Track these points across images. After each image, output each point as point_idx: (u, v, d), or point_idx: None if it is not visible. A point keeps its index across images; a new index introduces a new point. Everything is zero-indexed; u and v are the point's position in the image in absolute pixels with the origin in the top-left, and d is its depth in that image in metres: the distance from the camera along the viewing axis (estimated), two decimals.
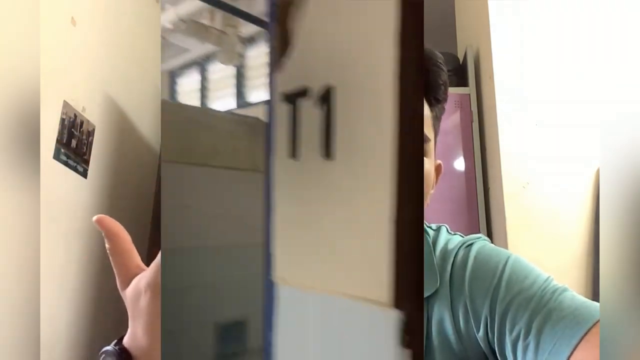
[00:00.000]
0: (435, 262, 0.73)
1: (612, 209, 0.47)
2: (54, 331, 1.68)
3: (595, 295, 1.59)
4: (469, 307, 0.67)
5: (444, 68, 0.79)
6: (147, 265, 0.57)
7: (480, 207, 1.92)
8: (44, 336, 1.54)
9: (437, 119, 0.80)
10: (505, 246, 1.70)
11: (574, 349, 0.54)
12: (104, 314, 2.00)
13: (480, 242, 0.74)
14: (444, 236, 0.78)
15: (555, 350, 0.55)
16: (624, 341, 0.44)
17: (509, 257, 0.68)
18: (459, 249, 0.73)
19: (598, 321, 0.54)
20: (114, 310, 2.09)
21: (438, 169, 0.82)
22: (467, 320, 0.67)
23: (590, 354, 0.52)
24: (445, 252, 0.74)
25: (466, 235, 0.78)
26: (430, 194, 0.79)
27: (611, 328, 0.45)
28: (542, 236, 1.71)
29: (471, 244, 0.73)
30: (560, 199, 1.74)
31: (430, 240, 0.77)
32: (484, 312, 0.64)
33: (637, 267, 0.45)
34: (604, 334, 0.46)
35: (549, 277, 0.64)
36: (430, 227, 0.81)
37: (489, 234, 1.90)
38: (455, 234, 0.79)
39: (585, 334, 0.54)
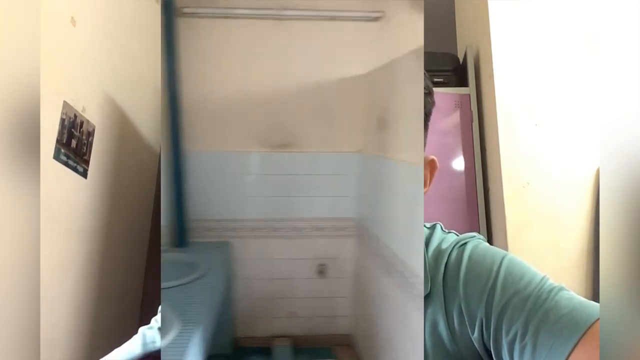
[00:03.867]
0: (427, 263, 0.73)
1: (612, 209, 0.47)
2: (54, 331, 1.68)
3: (595, 295, 1.59)
4: (463, 309, 0.66)
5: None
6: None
7: (480, 207, 1.92)
8: (44, 336, 1.54)
9: (425, 115, 0.79)
10: (505, 246, 1.70)
11: (572, 350, 0.53)
12: (104, 314, 2.00)
13: (474, 241, 0.73)
14: (438, 235, 0.77)
15: (553, 351, 0.54)
16: (623, 341, 0.44)
17: (503, 258, 0.67)
18: (452, 248, 0.72)
19: (596, 321, 0.54)
20: (114, 310, 2.09)
21: (431, 164, 0.80)
22: (461, 321, 0.67)
23: (589, 354, 0.52)
24: (438, 251, 0.73)
25: (461, 234, 0.77)
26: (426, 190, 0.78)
27: (611, 328, 0.45)
28: (542, 236, 1.71)
29: (465, 244, 0.72)
30: (560, 199, 1.74)
31: (424, 240, 0.76)
32: (480, 314, 0.64)
33: (637, 267, 0.45)
34: (604, 334, 0.46)
35: (544, 276, 0.64)
36: (425, 226, 0.80)
37: (489, 234, 1.90)
38: (449, 232, 0.78)
39: (584, 334, 0.54)
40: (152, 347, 0.87)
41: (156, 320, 0.92)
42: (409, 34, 1.41)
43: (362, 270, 1.41)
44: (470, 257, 0.69)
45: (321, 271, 1.52)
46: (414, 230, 0.96)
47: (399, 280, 1.03)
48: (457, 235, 0.76)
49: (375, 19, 1.45)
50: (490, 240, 1.87)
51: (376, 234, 1.26)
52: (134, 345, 0.87)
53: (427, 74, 0.78)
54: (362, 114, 1.47)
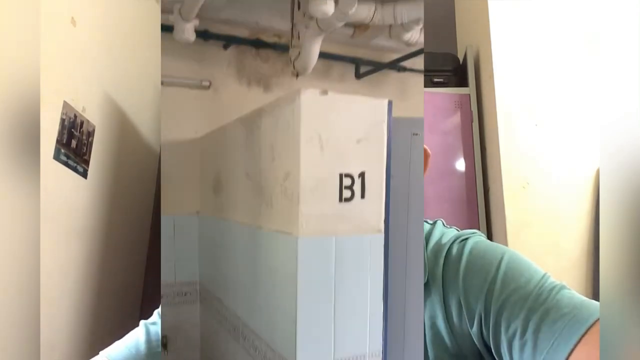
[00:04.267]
0: (426, 257, 0.73)
1: (612, 209, 0.47)
2: (54, 331, 1.68)
3: (595, 296, 1.59)
4: (462, 302, 0.66)
5: None
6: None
7: (480, 207, 1.92)
8: (43, 336, 1.54)
9: None
10: (505, 246, 1.70)
11: (573, 349, 0.53)
12: (104, 314, 2.00)
13: (475, 237, 0.74)
14: (439, 229, 0.77)
15: (554, 350, 0.54)
16: (624, 341, 0.44)
17: (504, 253, 0.67)
18: (452, 243, 0.72)
19: (597, 320, 0.54)
20: (114, 310, 2.09)
21: (424, 152, 0.82)
22: (460, 316, 0.67)
23: (590, 354, 0.52)
24: (438, 245, 0.73)
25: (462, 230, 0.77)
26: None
27: (611, 328, 0.45)
28: (542, 236, 1.71)
29: (466, 239, 0.72)
30: (560, 199, 1.74)
31: (424, 234, 0.77)
32: (479, 309, 0.64)
33: (637, 267, 0.45)
34: (604, 334, 0.46)
35: (545, 274, 0.64)
36: (427, 222, 0.81)
37: (489, 234, 1.90)
38: (450, 228, 0.78)
39: (584, 333, 0.54)
40: (156, 346, 0.84)
41: (159, 315, 0.90)
42: (236, 102, 1.55)
43: (209, 337, 1.35)
44: (471, 252, 0.69)
45: (165, 343, 1.41)
46: (256, 289, 0.96)
47: (244, 343, 1.03)
48: (458, 231, 0.77)
49: (206, 87, 1.54)
50: (490, 240, 1.87)
51: (218, 297, 1.23)
52: (139, 340, 0.84)
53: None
54: (198, 177, 1.47)
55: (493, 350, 0.63)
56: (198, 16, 1.37)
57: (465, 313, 0.66)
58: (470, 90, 2.06)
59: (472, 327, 0.65)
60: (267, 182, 0.90)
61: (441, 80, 2.12)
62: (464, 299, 0.66)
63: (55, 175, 1.65)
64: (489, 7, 1.93)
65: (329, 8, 1.23)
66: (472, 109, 2.03)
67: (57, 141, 1.65)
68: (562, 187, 1.75)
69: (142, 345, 0.83)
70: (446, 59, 2.22)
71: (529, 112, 1.82)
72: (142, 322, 0.87)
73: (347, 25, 1.41)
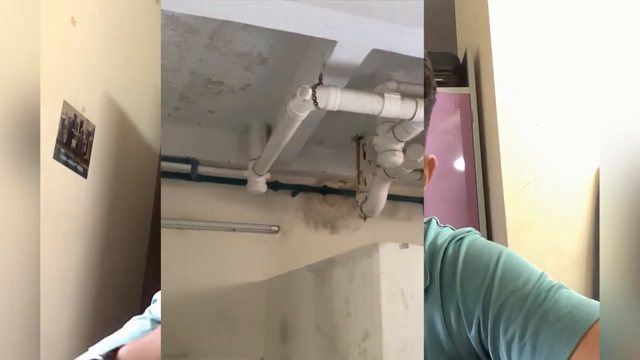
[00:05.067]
0: (425, 258, 0.72)
1: (612, 209, 0.47)
2: (54, 331, 1.68)
3: (595, 296, 1.59)
4: (460, 306, 0.65)
5: (427, 62, 0.79)
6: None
7: (480, 207, 1.92)
8: (43, 335, 1.54)
9: (425, 112, 0.80)
10: (505, 246, 1.69)
11: (573, 351, 0.53)
12: (104, 314, 2.00)
13: (471, 236, 0.72)
14: (434, 229, 0.76)
15: (554, 352, 0.54)
16: (624, 341, 0.44)
17: (500, 254, 0.66)
18: (448, 243, 0.71)
19: (597, 321, 0.53)
20: (113, 310, 2.09)
21: (430, 163, 0.80)
22: (458, 319, 0.66)
23: (590, 355, 0.51)
24: (434, 246, 0.72)
25: (456, 229, 0.76)
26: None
27: (611, 328, 0.45)
28: (542, 236, 1.70)
29: (461, 239, 0.71)
30: (560, 199, 1.74)
31: None
32: (477, 312, 0.63)
33: (637, 267, 0.45)
34: (604, 334, 0.46)
35: (542, 273, 0.63)
36: None
37: (489, 234, 1.90)
38: (445, 227, 0.77)
39: (584, 335, 0.53)
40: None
41: (149, 311, 0.91)
42: (304, 244, 1.62)
43: None
44: (467, 252, 0.68)
45: None
46: None
47: None
48: (453, 230, 0.76)
49: (275, 232, 1.62)
50: (490, 240, 1.87)
51: None
52: (124, 334, 0.85)
53: (433, 71, 0.79)
54: (263, 321, 1.46)
55: (491, 354, 0.62)
56: (269, 170, 1.46)
57: (463, 317, 0.65)
58: (470, 90, 2.06)
59: (470, 330, 0.64)
60: (342, 338, 0.82)
61: (441, 79, 2.11)
62: (462, 303, 0.65)
63: (55, 175, 1.65)
64: (489, 7, 1.93)
65: (398, 159, 1.21)
66: (472, 108, 2.03)
67: (57, 141, 1.65)
68: (562, 187, 1.75)
69: (127, 339, 0.82)
70: (446, 59, 2.21)
71: (529, 112, 1.82)
72: (133, 317, 0.88)
73: (415, 170, 1.43)
